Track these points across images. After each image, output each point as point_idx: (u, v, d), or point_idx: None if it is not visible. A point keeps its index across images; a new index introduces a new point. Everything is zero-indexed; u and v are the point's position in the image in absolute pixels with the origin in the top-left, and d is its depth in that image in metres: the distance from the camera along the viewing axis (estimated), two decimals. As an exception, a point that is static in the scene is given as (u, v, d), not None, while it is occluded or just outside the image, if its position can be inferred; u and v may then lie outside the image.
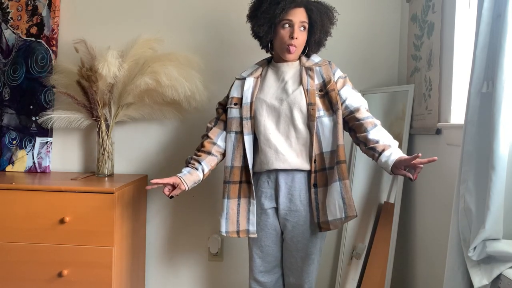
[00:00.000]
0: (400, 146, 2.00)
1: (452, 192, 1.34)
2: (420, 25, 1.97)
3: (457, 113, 1.66)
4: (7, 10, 2.29)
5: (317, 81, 1.62)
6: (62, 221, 1.82)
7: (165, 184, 1.57)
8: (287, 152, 1.58)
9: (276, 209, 1.64)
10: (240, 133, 1.63)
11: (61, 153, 2.33)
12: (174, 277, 2.36)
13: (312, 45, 1.67)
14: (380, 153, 1.50)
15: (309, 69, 1.63)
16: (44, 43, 2.27)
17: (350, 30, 2.26)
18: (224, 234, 1.63)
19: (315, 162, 1.57)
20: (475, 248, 1.20)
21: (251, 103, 1.63)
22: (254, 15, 1.64)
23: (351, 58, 2.26)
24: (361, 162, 2.19)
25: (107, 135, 2.17)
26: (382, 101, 2.19)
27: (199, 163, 1.65)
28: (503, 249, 1.14)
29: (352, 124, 1.61)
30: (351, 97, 1.61)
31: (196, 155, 1.68)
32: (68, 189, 1.84)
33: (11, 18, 2.29)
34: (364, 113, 1.59)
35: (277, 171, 1.60)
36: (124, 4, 2.30)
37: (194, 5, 2.28)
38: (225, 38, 2.28)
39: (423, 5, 1.94)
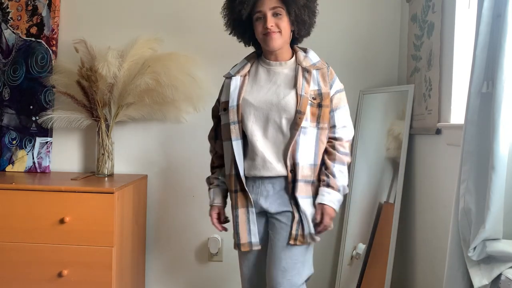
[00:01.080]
0: (400, 146, 2.01)
1: (452, 192, 1.34)
2: (420, 25, 1.97)
3: (457, 113, 1.66)
4: (7, 10, 2.29)
5: (312, 87, 1.51)
6: (62, 221, 1.82)
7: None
8: (274, 160, 1.49)
9: (260, 214, 1.55)
10: (229, 139, 1.53)
11: (61, 153, 2.33)
12: (174, 277, 2.36)
13: (296, 28, 1.52)
14: (326, 185, 1.50)
15: (306, 70, 1.52)
16: (44, 43, 2.27)
17: (350, 30, 2.26)
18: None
19: (291, 171, 1.48)
20: (475, 248, 1.20)
21: (238, 105, 1.51)
22: (227, 23, 1.59)
23: (351, 58, 2.26)
24: (361, 162, 2.19)
25: (107, 135, 2.17)
26: (382, 101, 2.19)
27: (218, 178, 1.64)
28: (503, 249, 1.14)
29: (327, 147, 1.55)
30: (340, 127, 1.55)
31: (212, 173, 1.67)
32: (68, 189, 1.84)
33: (11, 18, 2.29)
34: (342, 147, 1.54)
35: (262, 177, 1.52)
36: (124, 4, 2.30)
37: (194, 5, 2.28)
38: (225, 38, 2.27)
39: (423, 5, 1.94)
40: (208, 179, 1.68)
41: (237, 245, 1.55)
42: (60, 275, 1.83)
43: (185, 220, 2.33)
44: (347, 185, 1.54)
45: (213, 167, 1.67)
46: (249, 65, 1.59)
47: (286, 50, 1.56)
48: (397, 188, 2.00)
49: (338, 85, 1.56)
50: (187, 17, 2.29)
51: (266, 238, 1.57)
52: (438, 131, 1.75)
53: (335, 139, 1.55)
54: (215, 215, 1.62)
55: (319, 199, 1.49)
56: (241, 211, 1.54)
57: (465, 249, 1.25)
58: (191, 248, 2.35)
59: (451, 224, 1.31)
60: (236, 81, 1.55)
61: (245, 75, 1.57)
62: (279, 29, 1.48)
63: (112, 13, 2.31)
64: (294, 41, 1.59)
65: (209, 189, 1.65)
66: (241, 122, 1.52)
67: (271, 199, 1.52)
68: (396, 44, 2.27)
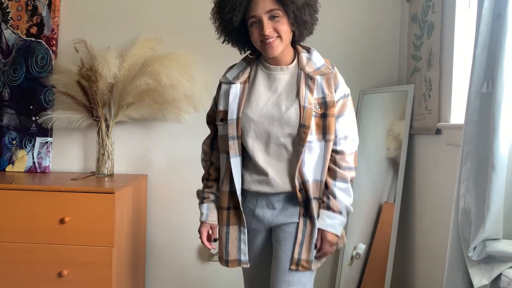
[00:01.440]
0: (400, 146, 2.01)
1: (452, 192, 1.34)
2: (420, 25, 1.97)
3: (457, 113, 1.66)
4: (7, 10, 2.29)
5: (316, 95, 1.37)
6: (62, 221, 1.82)
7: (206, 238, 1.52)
8: (278, 177, 1.39)
9: (259, 230, 1.48)
10: (227, 153, 1.41)
11: (61, 153, 2.33)
12: (174, 277, 2.36)
13: (296, 29, 1.37)
14: (327, 208, 1.39)
15: (309, 77, 1.37)
16: (44, 43, 2.27)
17: (350, 30, 2.26)
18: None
19: (300, 190, 1.38)
20: (475, 248, 1.20)
21: (237, 119, 1.38)
22: (219, 31, 1.43)
23: (351, 58, 2.26)
24: (361, 163, 2.19)
25: (107, 135, 2.17)
26: (382, 101, 2.19)
27: (213, 194, 1.50)
28: (503, 249, 1.14)
29: (329, 163, 1.43)
30: (341, 137, 1.41)
31: (207, 186, 1.52)
32: (68, 189, 1.84)
33: (11, 18, 2.29)
34: (344, 161, 1.41)
35: (267, 193, 1.42)
36: (124, 4, 2.30)
37: (194, 5, 2.28)
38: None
39: (423, 5, 1.94)
40: (201, 192, 1.53)
41: (225, 261, 1.47)
42: (60, 275, 1.83)
43: (185, 220, 2.33)
44: (351, 204, 1.43)
45: (208, 180, 1.52)
46: (248, 69, 1.45)
47: (288, 52, 1.41)
48: (397, 188, 2.00)
49: (342, 90, 1.41)
50: (187, 17, 2.29)
51: (269, 242, 1.49)
52: (438, 131, 1.75)
53: (336, 152, 1.41)
54: (206, 233, 1.49)
55: (319, 224, 1.38)
56: (233, 229, 1.44)
57: (465, 249, 1.25)
58: (191, 248, 2.35)
59: (451, 224, 1.31)
60: (235, 90, 1.41)
61: (244, 82, 1.43)
62: (278, 34, 1.32)
63: (112, 13, 2.31)
64: (296, 41, 1.43)
65: (202, 203, 1.51)
66: (241, 138, 1.39)
67: (277, 211, 1.42)
68: (396, 44, 2.27)
